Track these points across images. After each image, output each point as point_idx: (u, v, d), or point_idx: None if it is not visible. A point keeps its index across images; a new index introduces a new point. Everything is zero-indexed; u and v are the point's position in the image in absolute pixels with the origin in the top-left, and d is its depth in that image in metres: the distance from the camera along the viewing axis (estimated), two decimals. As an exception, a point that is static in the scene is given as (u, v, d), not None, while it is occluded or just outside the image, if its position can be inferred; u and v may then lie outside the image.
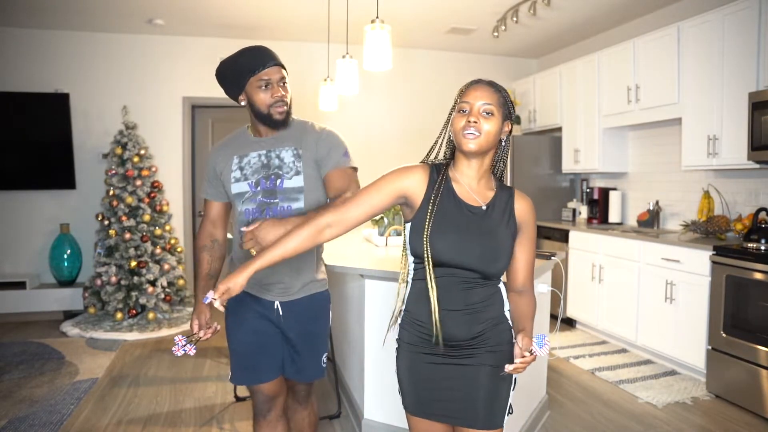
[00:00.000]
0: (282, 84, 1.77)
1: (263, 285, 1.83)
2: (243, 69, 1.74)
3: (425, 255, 1.39)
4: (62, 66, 5.26)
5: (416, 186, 1.47)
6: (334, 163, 1.81)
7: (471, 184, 1.48)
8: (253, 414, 1.97)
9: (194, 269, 1.98)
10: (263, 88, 1.74)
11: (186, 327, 4.74)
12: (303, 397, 2.01)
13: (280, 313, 1.85)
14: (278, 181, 1.79)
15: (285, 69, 1.80)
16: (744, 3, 3.39)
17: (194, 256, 1.97)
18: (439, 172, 1.49)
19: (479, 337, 1.43)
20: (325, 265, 2.05)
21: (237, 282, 1.43)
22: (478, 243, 1.40)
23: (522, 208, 1.48)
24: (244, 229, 1.68)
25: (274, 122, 1.78)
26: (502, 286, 1.51)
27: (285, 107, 1.77)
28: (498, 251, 1.42)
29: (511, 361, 1.39)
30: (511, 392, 1.49)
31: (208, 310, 1.79)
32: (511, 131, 1.50)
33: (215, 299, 1.42)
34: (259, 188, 1.79)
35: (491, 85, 1.45)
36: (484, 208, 1.45)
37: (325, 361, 1.96)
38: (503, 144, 1.50)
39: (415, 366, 1.48)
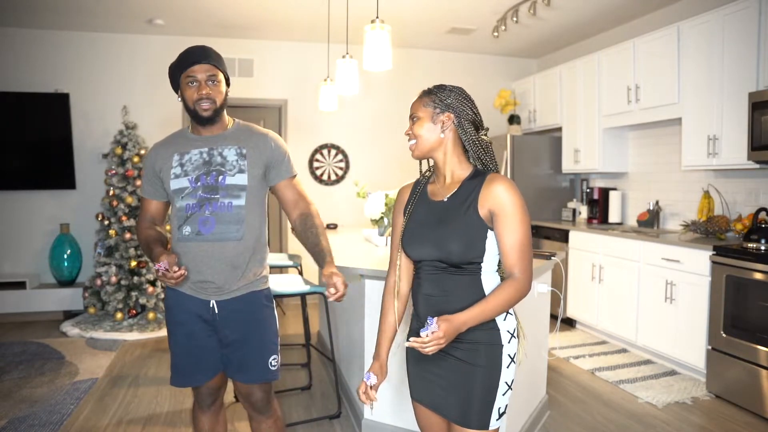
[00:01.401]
0: (211, 82, 1.80)
1: (196, 283, 1.81)
2: (177, 66, 1.83)
3: (399, 254, 1.61)
4: (62, 66, 5.27)
5: (402, 204, 1.65)
6: (286, 174, 1.91)
7: (442, 181, 1.58)
8: (193, 403, 2.01)
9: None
10: (190, 84, 1.79)
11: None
12: (262, 406, 1.95)
13: (216, 312, 1.83)
14: (220, 177, 1.80)
15: (220, 69, 1.83)
16: (744, 3, 3.39)
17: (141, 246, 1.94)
18: (421, 182, 1.65)
19: (464, 333, 1.45)
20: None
21: None
22: (431, 231, 1.50)
23: (490, 193, 1.45)
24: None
25: (199, 118, 1.81)
26: (487, 277, 1.49)
27: (211, 105, 1.79)
28: (448, 236, 1.46)
29: (496, 362, 1.48)
30: (501, 395, 1.49)
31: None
32: (460, 119, 1.52)
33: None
34: (199, 184, 1.80)
35: (421, 93, 1.57)
36: (444, 200, 1.53)
37: (274, 363, 1.91)
38: (465, 137, 1.53)
39: (413, 353, 1.60)
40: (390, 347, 1.64)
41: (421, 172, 1.69)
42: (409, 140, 1.57)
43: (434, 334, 1.34)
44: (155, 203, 1.92)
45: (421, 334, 1.35)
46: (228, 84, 1.89)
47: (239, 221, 1.81)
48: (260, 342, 1.89)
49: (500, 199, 1.44)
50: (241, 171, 1.82)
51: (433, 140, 1.53)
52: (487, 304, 1.42)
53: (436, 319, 1.36)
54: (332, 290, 1.67)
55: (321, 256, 1.81)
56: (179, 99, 1.86)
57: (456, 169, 1.56)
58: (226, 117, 1.91)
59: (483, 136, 1.57)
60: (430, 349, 1.35)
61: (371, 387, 1.56)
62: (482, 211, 1.45)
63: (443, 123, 1.52)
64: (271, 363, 1.90)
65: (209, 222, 1.78)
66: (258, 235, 1.87)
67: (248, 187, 1.82)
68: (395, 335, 1.65)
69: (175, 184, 1.82)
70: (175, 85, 1.87)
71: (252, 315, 1.88)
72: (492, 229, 1.47)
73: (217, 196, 1.79)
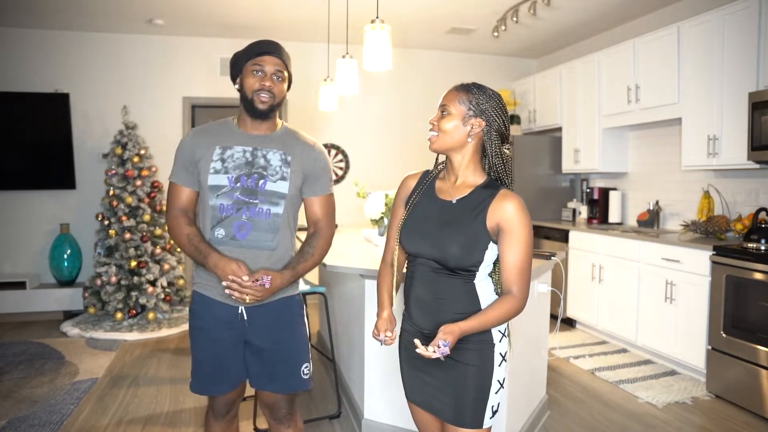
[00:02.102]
0: (275, 77, 1.74)
1: (226, 289, 1.72)
2: (244, 53, 1.77)
3: (397, 245, 1.59)
4: (62, 66, 5.27)
5: (406, 192, 1.63)
6: (323, 189, 1.85)
7: (453, 180, 1.55)
8: (207, 411, 1.94)
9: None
10: (255, 73, 1.73)
11: (185, 327, 4.74)
12: (284, 415, 1.86)
13: (245, 318, 1.76)
14: (261, 181, 1.72)
15: (287, 68, 1.78)
16: (744, 3, 3.39)
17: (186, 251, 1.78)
18: (430, 174, 1.63)
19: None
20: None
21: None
22: (432, 229, 1.49)
23: (501, 208, 1.44)
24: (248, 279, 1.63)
25: (254, 109, 1.74)
26: (482, 284, 1.50)
27: (270, 99, 1.73)
28: (450, 238, 1.45)
29: (489, 361, 1.49)
30: (494, 393, 1.49)
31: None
32: (491, 131, 1.49)
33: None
34: (238, 184, 1.71)
35: (460, 86, 1.52)
36: (453, 201, 1.51)
37: (306, 371, 1.84)
38: (491, 149, 1.50)
39: (406, 352, 1.61)
40: (392, 301, 1.62)
41: (435, 164, 1.65)
42: (430, 129, 1.52)
43: (441, 349, 1.36)
44: (189, 192, 1.79)
45: (426, 352, 1.37)
46: (289, 87, 1.83)
47: (275, 230, 1.74)
48: (292, 349, 1.82)
49: (510, 217, 1.43)
50: (283, 178, 1.75)
51: (457, 140, 1.50)
52: (486, 317, 1.43)
53: (448, 341, 1.37)
54: (258, 281, 1.65)
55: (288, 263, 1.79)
56: (237, 87, 1.79)
57: (470, 174, 1.54)
58: (277, 118, 1.85)
59: (506, 150, 1.53)
60: (435, 355, 1.38)
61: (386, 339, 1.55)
62: (490, 223, 1.45)
63: (472, 127, 1.49)
64: (303, 371, 1.83)
65: (245, 227, 1.71)
66: (289, 246, 1.81)
67: (288, 196, 1.75)
68: (394, 291, 1.64)
69: (213, 180, 1.72)
70: (236, 72, 1.79)
71: (283, 321, 1.81)
72: (495, 242, 1.47)
73: (256, 201, 1.72)
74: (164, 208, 5.12)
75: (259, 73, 1.73)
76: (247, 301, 1.67)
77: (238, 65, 1.78)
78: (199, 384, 1.83)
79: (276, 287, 1.71)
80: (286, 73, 1.78)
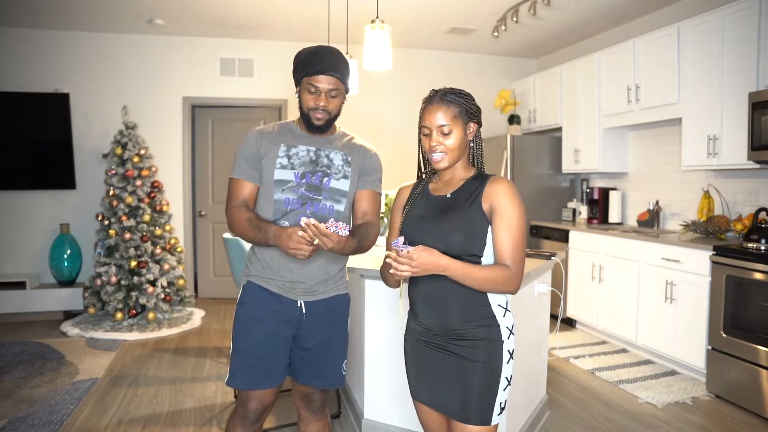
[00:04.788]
0: (330, 95, 1.76)
1: (287, 283, 1.78)
2: (303, 66, 1.76)
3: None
4: (62, 66, 5.26)
5: (402, 201, 1.68)
6: (372, 184, 1.90)
7: (445, 178, 1.62)
8: (234, 416, 1.86)
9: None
10: (310, 92, 1.75)
11: (185, 327, 4.75)
12: (319, 407, 1.92)
13: (303, 312, 1.80)
14: (325, 179, 1.79)
15: (343, 81, 1.78)
16: (744, 3, 3.39)
17: (241, 235, 1.77)
18: (422, 181, 1.69)
19: (464, 330, 1.50)
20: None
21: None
22: (432, 224, 1.54)
23: (492, 191, 1.51)
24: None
25: (311, 125, 1.80)
26: None
27: (325, 116, 1.77)
28: (451, 227, 1.50)
29: (497, 358, 1.49)
30: (502, 390, 1.51)
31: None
32: (478, 128, 1.59)
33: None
34: (303, 180, 1.77)
35: (443, 100, 1.53)
36: (448, 195, 1.58)
37: (345, 368, 1.90)
38: (474, 142, 1.60)
39: (412, 350, 1.63)
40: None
41: (419, 172, 1.70)
42: (434, 152, 1.54)
43: (407, 253, 1.38)
44: (251, 186, 1.81)
45: (394, 245, 1.41)
46: (347, 92, 1.85)
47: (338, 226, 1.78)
48: (338, 346, 1.88)
49: (501, 197, 1.49)
50: (345, 177, 1.82)
51: (462, 152, 1.57)
52: (474, 268, 1.45)
53: (415, 248, 1.40)
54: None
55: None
56: (296, 95, 1.81)
57: (461, 171, 1.61)
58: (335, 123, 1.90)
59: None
60: (403, 269, 1.39)
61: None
62: (485, 206, 1.50)
63: (470, 132, 1.57)
64: (343, 368, 1.90)
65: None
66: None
67: (348, 194, 1.83)
68: (400, 295, 1.69)
69: (279, 174, 1.77)
70: (296, 80, 1.81)
71: (335, 318, 1.87)
72: (492, 224, 1.50)
73: (320, 197, 1.78)
74: (164, 208, 5.15)
75: (315, 92, 1.75)
76: (328, 246, 1.61)
77: (297, 75, 1.79)
78: (245, 378, 1.79)
79: (344, 246, 1.65)
80: (342, 88, 1.79)
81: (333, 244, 1.60)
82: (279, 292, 1.80)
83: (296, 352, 1.84)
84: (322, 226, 1.59)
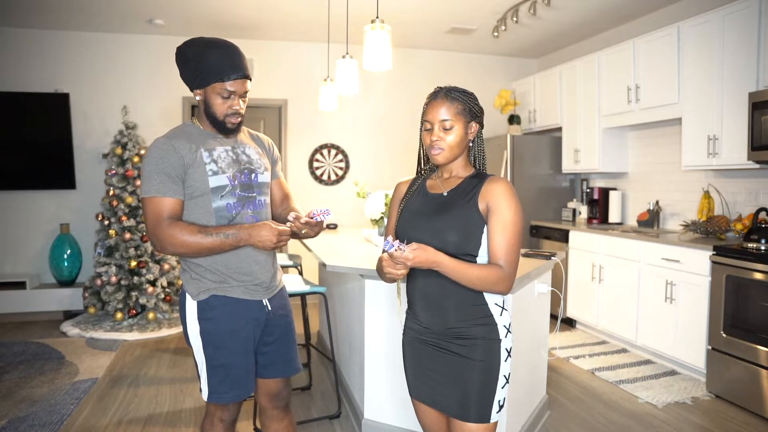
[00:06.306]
0: (243, 97, 1.73)
1: (251, 285, 1.78)
2: (211, 70, 1.65)
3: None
4: (62, 66, 5.27)
5: (399, 196, 1.70)
6: (279, 172, 2.00)
7: (443, 176, 1.63)
8: (212, 420, 1.85)
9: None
10: (224, 97, 1.68)
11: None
12: (285, 403, 1.94)
13: (269, 310, 1.84)
14: (252, 175, 1.80)
15: (250, 79, 1.74)
16: (744, 3, 3.39)
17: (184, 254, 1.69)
18: (420, 177, 1.70)
19: (461, 328, 1.50)
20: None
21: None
22: (427, 221, 1.54)
23: (489, 190, 1.51)
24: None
25: (225, 130, 1.75)
26: None
27: (238, 119, 1.75)
28: (446, 225, 1.50)
29: (495, 356, 1.50)
30: (500, 388, 1.51)
31: None
32: (480, 128, 1.60)
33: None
34: (236, 182, 1.74)
35: (447, 96, 1.54)
36: (445, 194, 1.58)
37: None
38: (475, 142, 1.61)
39: (410, 349, 1.63)
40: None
41: (418, 168, 1.71)
42: (434, 147, 1.54)
43: (403, 255, 1.39)
44: (176, 202, 1.66)
45: (385, 248, 1.41)
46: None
47: (268, 217, 1.85)
48: (293, 332, 1.95)
49: (498, 197, 1.49)
50: (266, 169, 1.86)
51: (462, 149, 1.58)
52: (467, 266, 1.45)
53: (410, 245, 1.41)
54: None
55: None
56: (197, 98, 1.73)
57: (460, 169, 1.61)
58: None
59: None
60: (398, 270, 1.42)
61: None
62: (481, 206, 1.50)
63: (471, 132, 1.57)
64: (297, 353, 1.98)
65: (254, 221, 1.76)
66: None
67: (269, 185, 1.89)
68: (397, 293, 1.71)
69: (214, 182, 1.69)
70: (198, 84, 1.69)
71: (288, 308, 1.94)
72: (487, 224, 1.51)
73: (254, 194, 1.79)
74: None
75: (229, 97, 1.69)
76: (312, 235, 1.77)
77: (201, 79, 1.68)
78: (233, 392, 1.75)
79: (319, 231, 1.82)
80: (249, 86, 1.75)
81: (316, 232, 1.76)
82: (245, 296, 1.76)
83: (261, 349, 1.84)
84: (305, 217, 1.71)
